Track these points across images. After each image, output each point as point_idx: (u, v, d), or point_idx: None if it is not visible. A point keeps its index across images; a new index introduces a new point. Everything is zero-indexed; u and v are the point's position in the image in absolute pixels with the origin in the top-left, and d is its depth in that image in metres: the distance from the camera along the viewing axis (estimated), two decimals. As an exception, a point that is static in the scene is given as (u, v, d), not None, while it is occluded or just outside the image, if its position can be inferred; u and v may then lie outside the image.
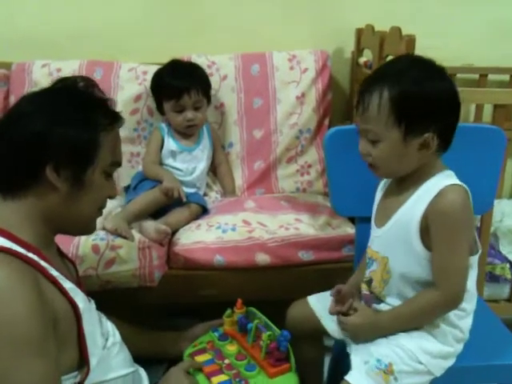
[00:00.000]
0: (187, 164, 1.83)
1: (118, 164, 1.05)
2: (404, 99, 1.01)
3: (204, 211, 1.76)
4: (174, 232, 1.64)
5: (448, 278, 1.05)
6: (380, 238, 1.14)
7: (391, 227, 1.11)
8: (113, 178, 1.06)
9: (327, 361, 1.44)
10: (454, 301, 1.07)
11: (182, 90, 1.76)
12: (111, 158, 1.01)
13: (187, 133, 1.85)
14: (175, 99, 1.77)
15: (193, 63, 1.93)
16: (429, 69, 1.05)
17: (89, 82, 1.03)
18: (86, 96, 1.01)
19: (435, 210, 1.03)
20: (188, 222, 1.69)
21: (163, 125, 1.87)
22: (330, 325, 1.23)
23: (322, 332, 1.27)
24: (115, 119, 1.02)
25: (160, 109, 1.86)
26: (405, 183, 1.11)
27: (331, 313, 1.19)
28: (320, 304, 1.27)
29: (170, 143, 1.83)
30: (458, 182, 1.07)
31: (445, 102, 1.03)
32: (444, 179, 1.06)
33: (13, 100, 1.95)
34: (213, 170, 1.99)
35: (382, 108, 1.02)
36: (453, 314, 1.11)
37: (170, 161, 1.82)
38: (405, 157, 1.05)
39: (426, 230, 1.05)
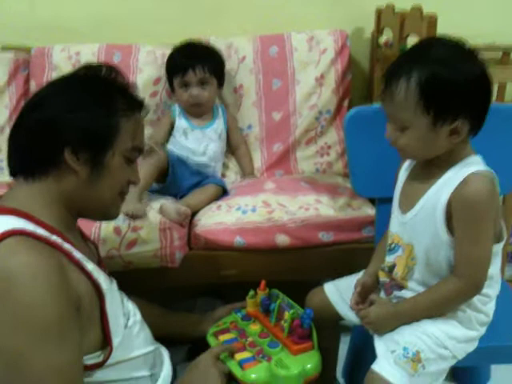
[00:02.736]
0: (199, 142, 1.83)
1: (139, 150, 1.05)
2: (433, 84, 0.97)
3: (224, 192, 1.76)
4: (195, 213, 1.65)
5: (469, 267, 1.04)
6: (406, 225, 1.12)
7: (417, 213, 1.09)
8: (135, 164, 1.06)
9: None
10: (473, 289, 1.06)
11: (187, 65, 1.79)
12: (131, 143, 1.01)
13: (195, 112, 1.85)
14: (181, 74, 1.80)
15: (207, 45, 1.92)
16: (458, 51, 1.00)
17: (111, 69, 1.03)
18: (107, 82, 1.01)
19: (459, 197, 1.01)
20: (208, 203, 1.70)
21: (176, 105, 1.89)
22: (348, 311, 1.24)
23: (340, 319, 1.27)
24: (135, 105, 1.02)
25: (173, 89, 1.88)
26: (431, 168, 1.09)
27: (353, 309, 1.18)
28: (336, 291, 1.28)
29: (182, 122, 1.85)
30: (484, 168, 1.04)
31: (476, 86, 0.99)
32: (471, 165, 1.03)
33: (33, 84, 1.97)
34: (231, 152, 1.99)
35: (410, 94, 0.98)
36: (477, 300, 1.10)
37: (182, 139, 1.83)
38: (434, 143, 1.02)
39: (451, 217, 1.03)
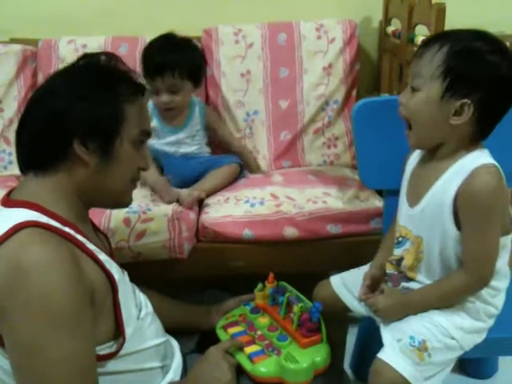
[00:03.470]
0: (171, 145, 1.78)
1: (147, 133, 1.05)
2: (460, 57, 0.99)
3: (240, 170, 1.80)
4: (204, 206, 1.67)
5: (476, 262, 1.04)
6: (413, 218, 1.12)
7: (424, 207, 1.09)
8: (144, 149, 1.06)
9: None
10: (480, 283, 1.07)
11: (155, 71, 1.65)
12: (138, 128, 1.00)
13: (167, 116, 1.77)
14: (149, 79, 1.66)
15: (185, 40, 1.77)
16: (500, 45, 1.02)
17: (111, 57, 1.03)
18: (108, 69, 1.01)
19: (466, 191, 1.01)
20: (226, 184, 1.73)
21: (150, 103, 1.75)
22: (355, 303, 1.25)
23: (347, 311, 1.28)
24: (138, 90, 1.02)
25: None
26: (437, 160, 1.09)
27: (361, 300, 1.18)
28: (343, 284, 1.28)
29: (154, 123, 1.76)
30: (491, 161, 1.03)
31: (500, 79, 1.00)
32: (477, 159, 1.03)
33: (41, 77, 1.98)
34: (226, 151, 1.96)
35: (437, 57, 1.01)
36: (485, 292, 1.10)
37: (154, 140, 1.76)
38: (438, 118, 1.02)
39: (458, 211, 1.03)
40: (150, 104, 1.77)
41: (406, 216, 1.15)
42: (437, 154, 1.09)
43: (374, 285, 1.18)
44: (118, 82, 0.99)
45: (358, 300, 1.20)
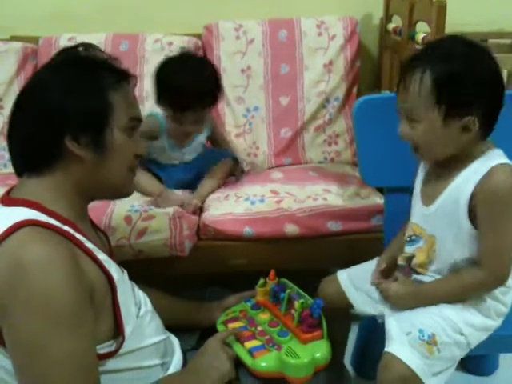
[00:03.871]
0: (173, 158, 1.75)
1: (137, 119, 1.03)
2: (446, 81, 0.99)
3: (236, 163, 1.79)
4: (204, 204, 1.67)
5: (493, 259, 1.04)
6: (428, 217, 1.12)
7: (440, 206, 1.09)
8: (137, 136, 1.03)
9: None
10: (496, 282, 1.07)
11: (187, 106, 1.58)
12: (127, 114, 0.99)
13: (183, 138, 1.72)
14: (178, 112, 1.60)
15: (204, 63, 1.68)
16: (474, 50, 1.02)
17: (89, 47, 1.02)
18: (88, 60, 0.99)
19: (484, 189, 1.02)
20: (223, 182, 1.74)
21: (161, 118, 1.68)
22: (360, 302, 1.25)
23: (351, 308, 1.28)
24: (121, 76, 1.01)
25: (159, 100, 1.63)
26: (452, 161, 1.09)
27: (373, 284, 1.18)
28: (350, 280, 1.28)
29: (164, 141, 1.71)
30: (506, 160, 1.04)
31: (488, 85, 1.01)
32: (493, 158, 1.04)
33: (41, 74, 1.98)
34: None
35: (424, 88, 1.00)
36: (497, 290, 1.10)
37: (155, 156, 1.73)
38: (447, 139, 1.03)
39: (474, 210, 1.04)
40: (161, 118, 1.68)
41: (421, 215, 1.15)
42: (452, 156, 1.08)
43: (387, 272, 1.18)
44: (100, 72, 0.97)
45: (371, 284, 1.20)
